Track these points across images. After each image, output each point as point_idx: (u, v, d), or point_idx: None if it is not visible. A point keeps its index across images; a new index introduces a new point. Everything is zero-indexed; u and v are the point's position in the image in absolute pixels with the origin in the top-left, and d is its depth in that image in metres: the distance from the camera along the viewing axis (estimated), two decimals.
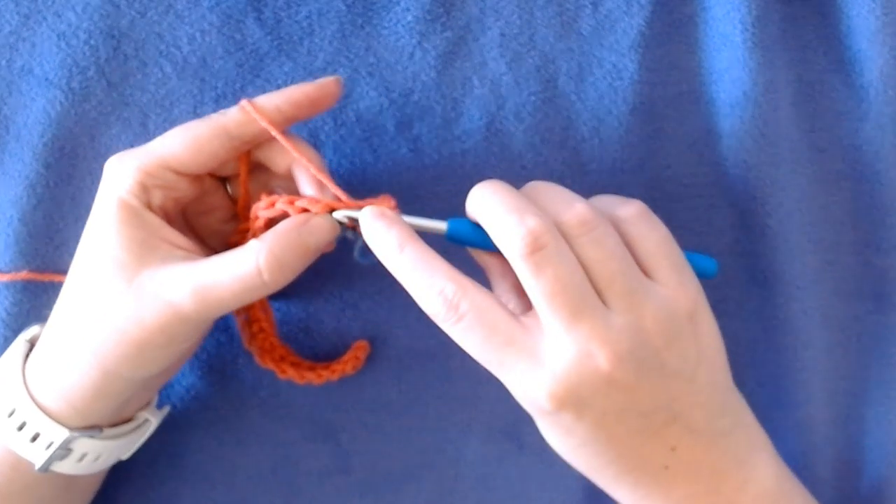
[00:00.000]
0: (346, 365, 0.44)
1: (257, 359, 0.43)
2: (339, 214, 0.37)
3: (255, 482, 0.46)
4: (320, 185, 0.38)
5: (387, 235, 0.36)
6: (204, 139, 0.37)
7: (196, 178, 0.39)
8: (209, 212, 0.41)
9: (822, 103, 0.45)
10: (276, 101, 0.38)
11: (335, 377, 0.44)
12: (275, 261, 0.36)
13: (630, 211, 0.37)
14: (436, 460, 0.47)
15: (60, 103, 0.42)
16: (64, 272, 0.39)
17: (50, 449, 0.38)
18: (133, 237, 0.36)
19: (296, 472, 0.46)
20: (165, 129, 0.43)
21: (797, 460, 0.46)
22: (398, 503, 0.48)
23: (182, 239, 0.38)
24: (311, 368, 0.44)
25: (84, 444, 0.39)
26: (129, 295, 0.36)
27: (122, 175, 0.37)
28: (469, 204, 0.37)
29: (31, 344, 0.40)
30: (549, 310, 0.34)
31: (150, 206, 0.37)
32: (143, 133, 0.43)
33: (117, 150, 0.43)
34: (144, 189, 0.37)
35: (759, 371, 0.46)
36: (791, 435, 0.46)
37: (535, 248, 0.34)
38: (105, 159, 0.42)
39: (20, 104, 0.43)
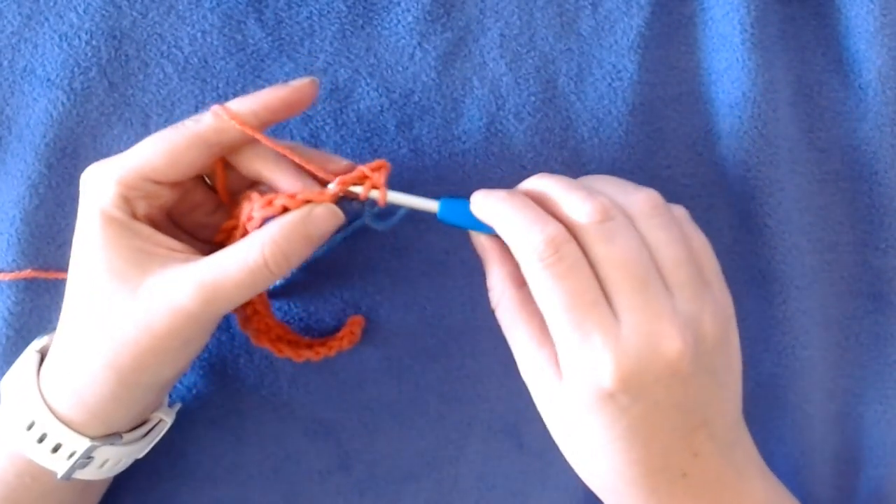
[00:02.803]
0: (343, 341, 0.43)
1: (253, 339, 0.43)
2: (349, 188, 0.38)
3: (255, 481, 0.46)
4: (301, 176, 0.38)
5: (492, 194, 0.37)
6: (181, 149, 0.36)
7: (176, 183, 0.38)
8: (194, 209, 0.41)
9: (820, 104, 0.45)
10: (251, 105, 0.37)
11: (332, 353, 0.43)
12: (280, 252, 0.36)
13: (647, 204, 0.37)
14: (436, 460, 0.47)
15: (62, 104, 0.42)
16: (66, 271, 0.39)
17: (72, 459, 0.38)
18: (129, 247, 0.36)
19: (296, 471, 0.46)
20: None
21: (796, 459, 0.46)
22: (398, 503, 0.48)
23: (175, 242, 0.38)
24: (309, 346, 0.43)
25: (105, 452, 0.39)
26: (136, 305, 0.36)
27: (102, 188, 0.36)
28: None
29: (42, 354, 0.40)
30: (623, 284, 0.34)
31: (136, 216, 0.37)
32: (144, 133, 0.43)
33: (119, 150, 0.43)
34: (127, 201, 0.37)
35: (758, 370, 0.46)
36: (790, 434, 0.46)
37: (605, 218, 0.34)
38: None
39: (22, 105, 0.43)
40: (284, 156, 0.38)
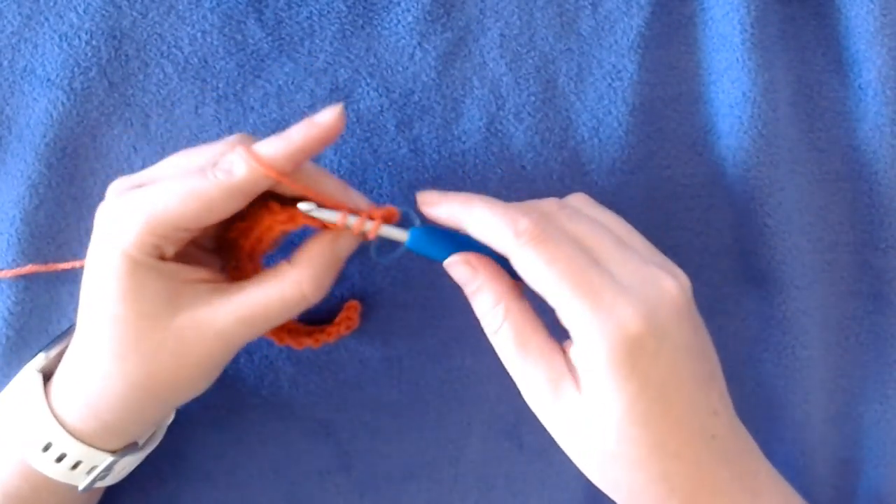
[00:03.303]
0: (341, 326, 0.44)
1: None
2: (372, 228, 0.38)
3: (256, 481, 0.46)
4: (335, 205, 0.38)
5: (448, 195, 0.38)
6: (215, 200, 0.35)
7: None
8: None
9: (820, 104, 0.45)
10: (285, 150, 0.35)
11: (331, 340, 0.44)
12: (316, 283, 0.37)
13: (579, 201, 0.39)
14: (436, 460, 0.47)
15: (62, 104, 0.42)
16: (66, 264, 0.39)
17: (92, 473, 0.38)
18: (157, 288, 0.36)
19: (296, 471, 0.46)
20: (167, 130, 0.43)
21: (796, 459, 0.46)
22: (398, 503, 0.48)
23: (200, 271, 0.37)
24: (308, 334, 0.44)
25: (124, 462, 0.39)
26: (171, 341, 0.36)
27: (128, 232, 0.35)
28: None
29: (43, 374, 0.39)
30: (603, 246, 0.36)
31: (164, 258, 0.36)
32: (144, 133, 0.43)
33: (119, 149, 0.43)
34: (156, 247, 0.36)
35: (758, 370, 0.46)
36: (789, 434, 0.46)
37: (562, 207, 0.38)
38: (107, 159, 0.42)
39: (22, 104, 0.43)
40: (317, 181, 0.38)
